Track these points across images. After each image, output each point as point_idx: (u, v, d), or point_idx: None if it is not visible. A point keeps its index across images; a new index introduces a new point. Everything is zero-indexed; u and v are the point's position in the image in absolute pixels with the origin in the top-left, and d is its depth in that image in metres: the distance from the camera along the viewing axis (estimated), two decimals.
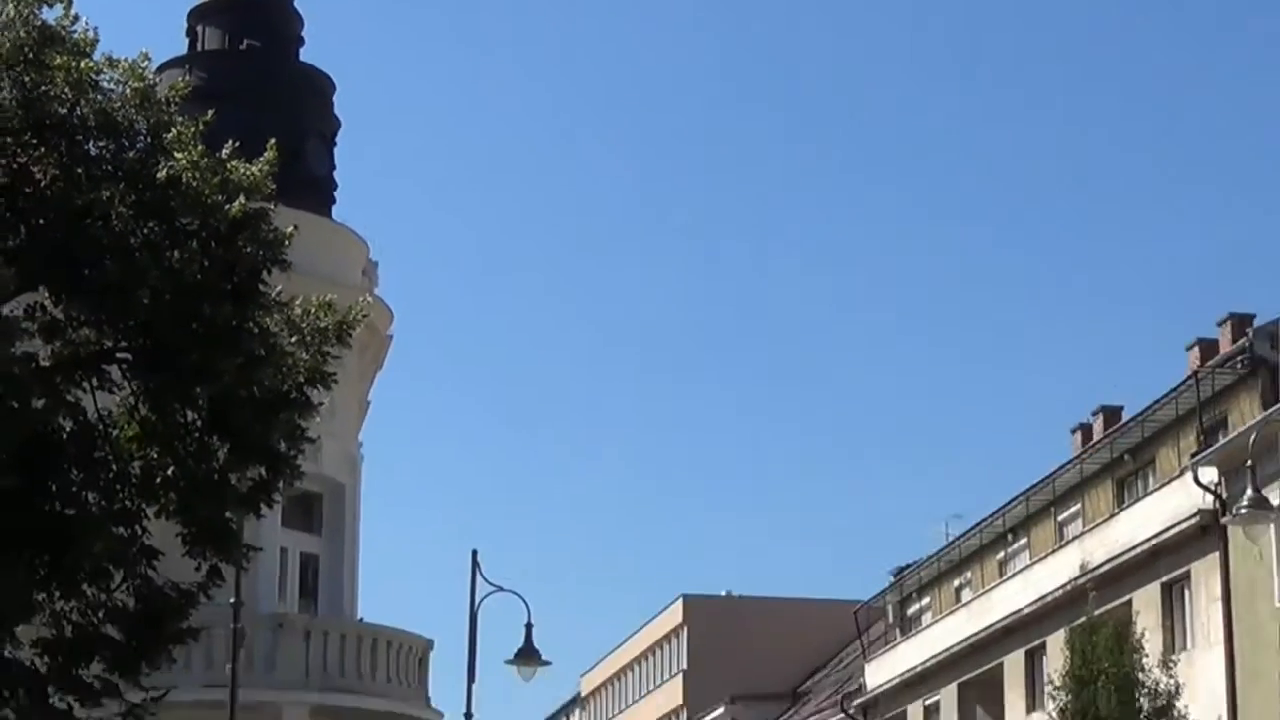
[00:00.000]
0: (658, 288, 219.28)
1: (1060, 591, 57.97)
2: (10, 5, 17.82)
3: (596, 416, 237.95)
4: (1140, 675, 45.37)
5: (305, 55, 51.58)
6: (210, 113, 18.69)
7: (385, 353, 43.26)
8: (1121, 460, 63.04)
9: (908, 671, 74.39)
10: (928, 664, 72.22)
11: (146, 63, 18.28)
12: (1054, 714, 46.98)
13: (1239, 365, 55.24)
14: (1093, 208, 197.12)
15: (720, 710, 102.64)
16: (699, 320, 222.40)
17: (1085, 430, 70.98)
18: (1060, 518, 67.19)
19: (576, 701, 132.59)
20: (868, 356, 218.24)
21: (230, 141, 18.75)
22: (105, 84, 17.84)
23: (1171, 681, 46.43)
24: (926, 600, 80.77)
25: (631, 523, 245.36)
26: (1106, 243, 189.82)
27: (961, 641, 68.92)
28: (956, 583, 77.26)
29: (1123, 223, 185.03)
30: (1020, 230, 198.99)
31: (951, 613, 74.04)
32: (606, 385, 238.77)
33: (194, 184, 16.55)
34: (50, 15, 18.25)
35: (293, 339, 18.11)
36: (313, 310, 18.57)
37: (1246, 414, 51.96)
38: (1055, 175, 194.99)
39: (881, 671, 78.11)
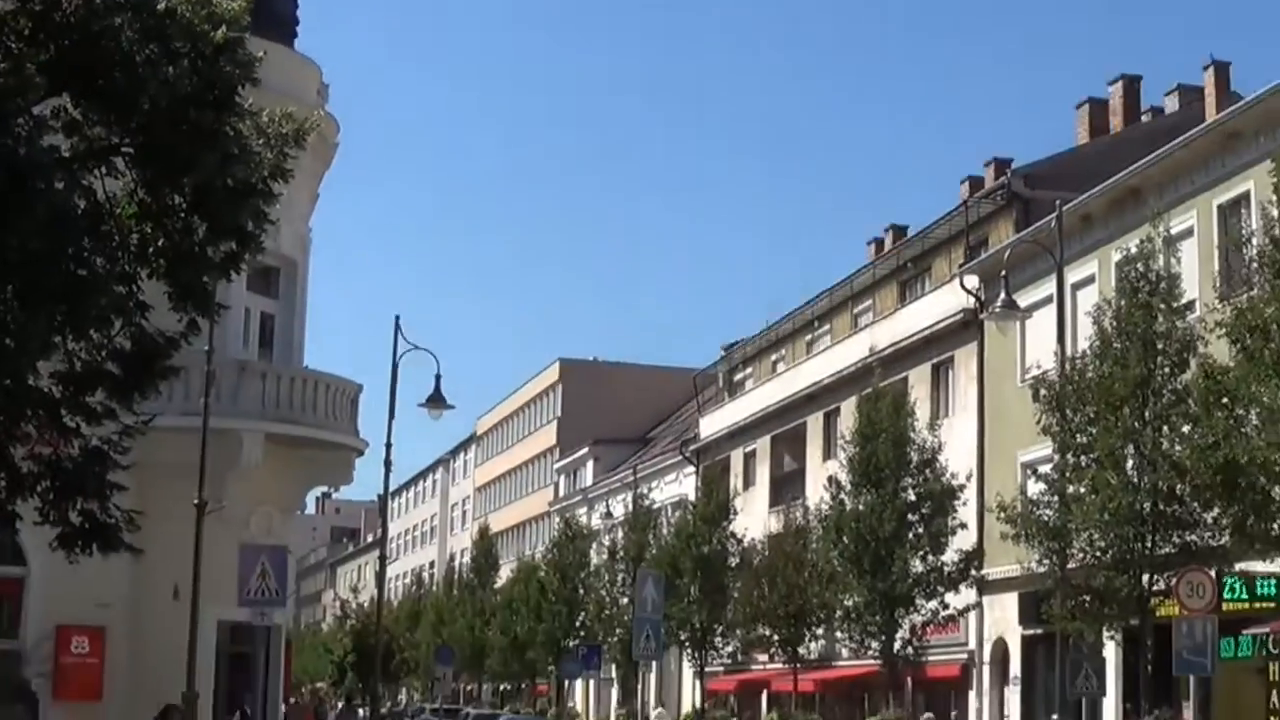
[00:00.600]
0: (551, 103, 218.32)
1: (853, 368, 58.56)
2: None
3: (500, 210, 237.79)
4: (911, 434, 45.97)
5: None
6: None
7: (332, 156, 43.38)
8: (905, 267, 63.46)
9: (732, 425, 75.08)
10: (748, 420, 72.95)
11: None
12: (844, 461, 47.54)
13: (999, 198, 55.66)
14: (886, 50, 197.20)
15: (585, 450, 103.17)
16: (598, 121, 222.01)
17: (878, 243, 71.74)
18: (855, 310, 67.67)
19: (473, 439, 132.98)
20: (716, 170, 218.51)
21: None
22: None
23: (935, 439, 47.12)
24: (749, 370, 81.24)
25: (523, 298, 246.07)
26: (908, 83, 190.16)
27: (775, 403, 69.71)
28: (773, 357, 77.71)
29: (915, 74, 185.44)
30: (828, 61, 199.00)
31: (768, 381, 74.75)
32: (507, 183, 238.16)
33: (186, 15, 16.89)
34: None
35: (260, 141, 18.57)
36: (276, 119, 19.07)
37: (1003, 236, 52.36)
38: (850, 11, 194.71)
39: (712, 424, 78.73)
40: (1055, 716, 37.91)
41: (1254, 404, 27.34)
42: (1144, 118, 58.65)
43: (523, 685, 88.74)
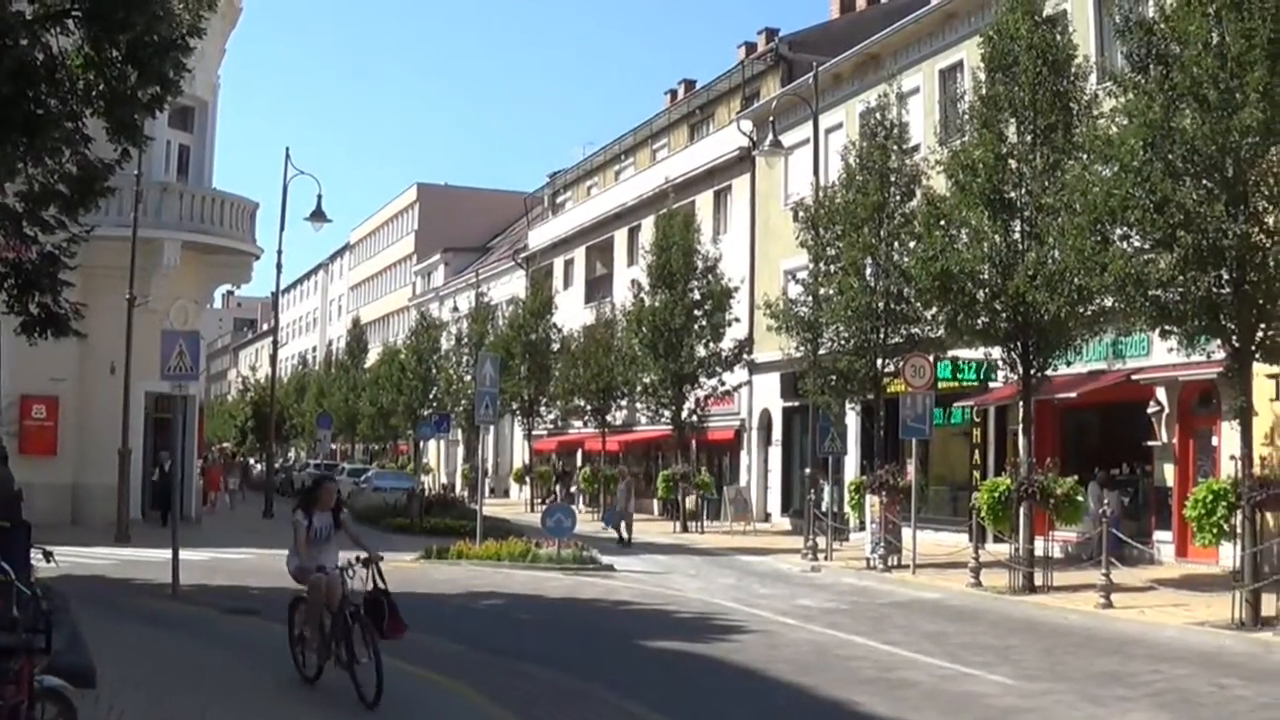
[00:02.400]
0: None
1: (651, 193, 58.45)
2: None
3: (373, 51, 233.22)
4: (697, 247, 46.37)
5: None
6: None
7: (238, 16, 42.78)
8: (694, 113, 63.51)
9: (555, 238, 74.97)
10: (568, 234, 72.84)
11: None
12: (644, 268, 47.79)
13: (769, 59, 55.61)
14: None
15: (436, 256, 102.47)
16: None
17: (673, 94, 71.37)
18: (654, 147, 67.69)
19: (347, 248, 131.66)
20: (550, 31, 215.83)
21: None
22: None
23: (717, 251, 47.63)
24: (569, 194, 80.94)
25: (390, 130, 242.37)
26: None
27: (589, 221, 69.58)
28: (588, 184, 77.50)
29: None
30: None
31: (584, 203, 74.52)
32: (374, 27, 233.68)
33: None
34: None
35: (180, 5, 18.65)
36: None
37: (771, 89, 52.40)
38: None
39: (539, 237, 78.48)
40: (808, 470, 38.82)
41: (964, 226, 27.83)
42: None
43: (387, 445, 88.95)
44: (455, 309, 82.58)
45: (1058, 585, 26.35)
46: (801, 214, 37.08)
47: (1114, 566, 24.09)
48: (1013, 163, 27.39)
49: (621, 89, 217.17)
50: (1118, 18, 22.58)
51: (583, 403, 55.90)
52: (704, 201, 55.64)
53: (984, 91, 28.02)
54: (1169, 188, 20.97)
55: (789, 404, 46.85)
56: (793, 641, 19.34)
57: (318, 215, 50.68)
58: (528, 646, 19.03)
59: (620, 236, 65.81)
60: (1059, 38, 27.61)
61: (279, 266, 51.55)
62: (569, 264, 73.77)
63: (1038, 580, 26.55)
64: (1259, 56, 20.27)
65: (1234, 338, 21.90)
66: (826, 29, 56.05)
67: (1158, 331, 23.59)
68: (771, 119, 40.74)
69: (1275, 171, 21.13)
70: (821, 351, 35.49)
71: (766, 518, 49.22)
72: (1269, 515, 22.81)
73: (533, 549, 32.24)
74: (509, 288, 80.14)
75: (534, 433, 64.40)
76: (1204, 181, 21.16)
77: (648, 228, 55.45)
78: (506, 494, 75.63)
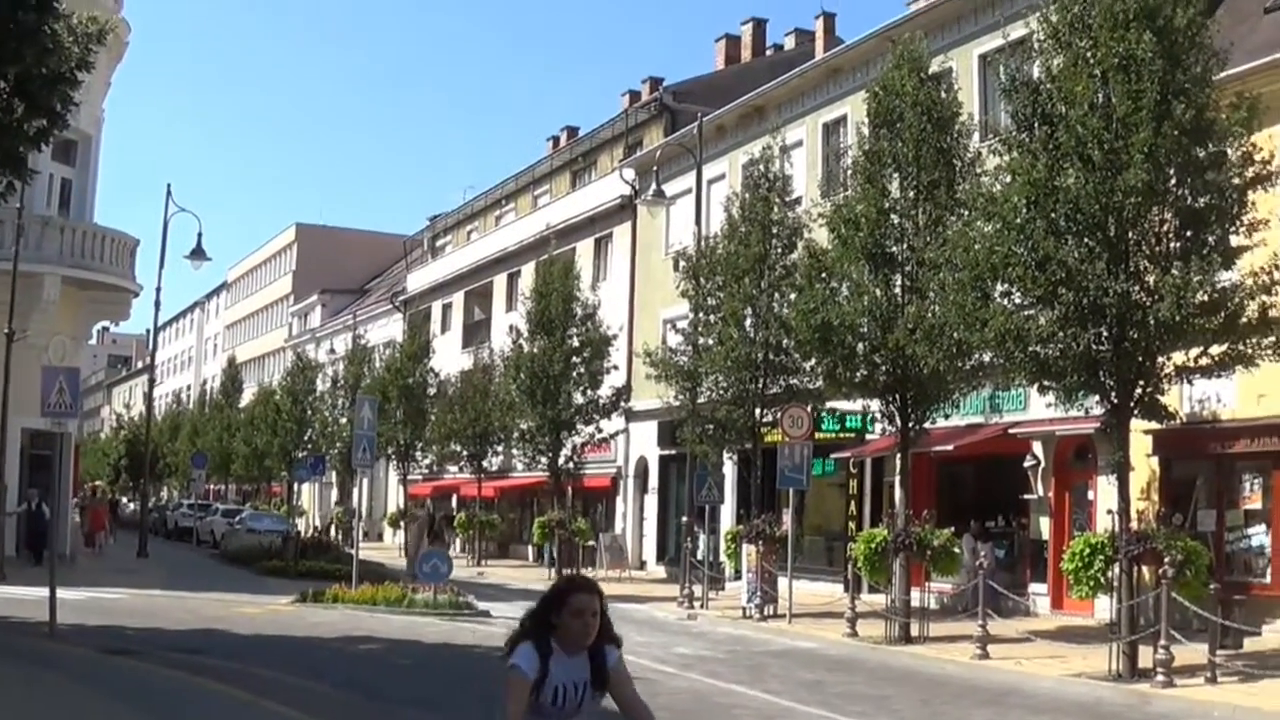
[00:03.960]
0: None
1: (532, 238, 58.05)
2: None
3: (257, 87, 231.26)
4: (577, 293, 45.75)
5: None
6: None
7: (124, 51, 42.07)
8: (576, 160, 63.35)
9: (434, 281, 74.50)
10: (447, 277, 72.34)
11: None
12: (523, 313, 47.34)
13: (653, 108, 55.69)
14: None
15: (314, 297, 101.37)
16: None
17: (555, 140, 71.33)
18: (536, 193, 67.46)
19: (224, 286, 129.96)
20: (433, 73, 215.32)
21: None
22: None
23: (596, 298, 47.20)
24: (449, 237, 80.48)
25: (272, 169, 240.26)
26: (580, 13, 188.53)
27: (469, 265, 69.14)
28: (469, 228, 77.09)
29: (588, 6, 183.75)
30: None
31: (464, 247, 74.10)
32: (260, 64, 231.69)
33: None
34: None
35: (70, 39, 18.20)
36: (84, 21, 18.80)
37: (655, 138, 52.51)
38: None
39: (418, 280, 77.92)
40: (684, 518, 38.58)
41: (845, 279, 27.78)
42: (768, 52, 59.36)
43: (260, 486, 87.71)
44: (332, 351, 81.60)
45: (934, 636, 26.29)
46: (683, 263, 37.03)
47: (990, 618, 24.08)
48: (895, 217, 27.41)
49: (504, 134, 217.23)
50: (1004, 77, 22.75)
51: (459, 448, 55.23)
52: (585, 248, 55.41)
53: (868, 146, 28.05)
54: (1051, 245, 21.06)
55: (666, 452, 46.67)
56: (671, 689, 19.06)
57: (197, 253, 49.98)
58: (407, 692, 18.66)
59: (500, 282, 65.36)
60: (944, 95, 27.82)
61: (157, 304, 50.90)
62: (447, 308, 73.20)
63: (914, 631, 26.46)
64: (1145, 119, 20.47)
65: (1112, 394, 22.01)
66: (711, 80, 56.23)
67: (1036, 387, 23.60)
68: (654, 168, 40.79)
69: (1156, 231, 21.39)
70: (700, 400, 35.31)
71: (642, 565, 48.91)
72: (1145, 569, 22.74)
73: (409, 594, 31.76)
74: (386, 330, 79.37)
75: (409, 477, 63.56)
76: (1086, 240, 21.29)
77: (528, 273, 55.17)
78: (381, 538, 74.72)
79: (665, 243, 47.55)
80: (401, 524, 64.02)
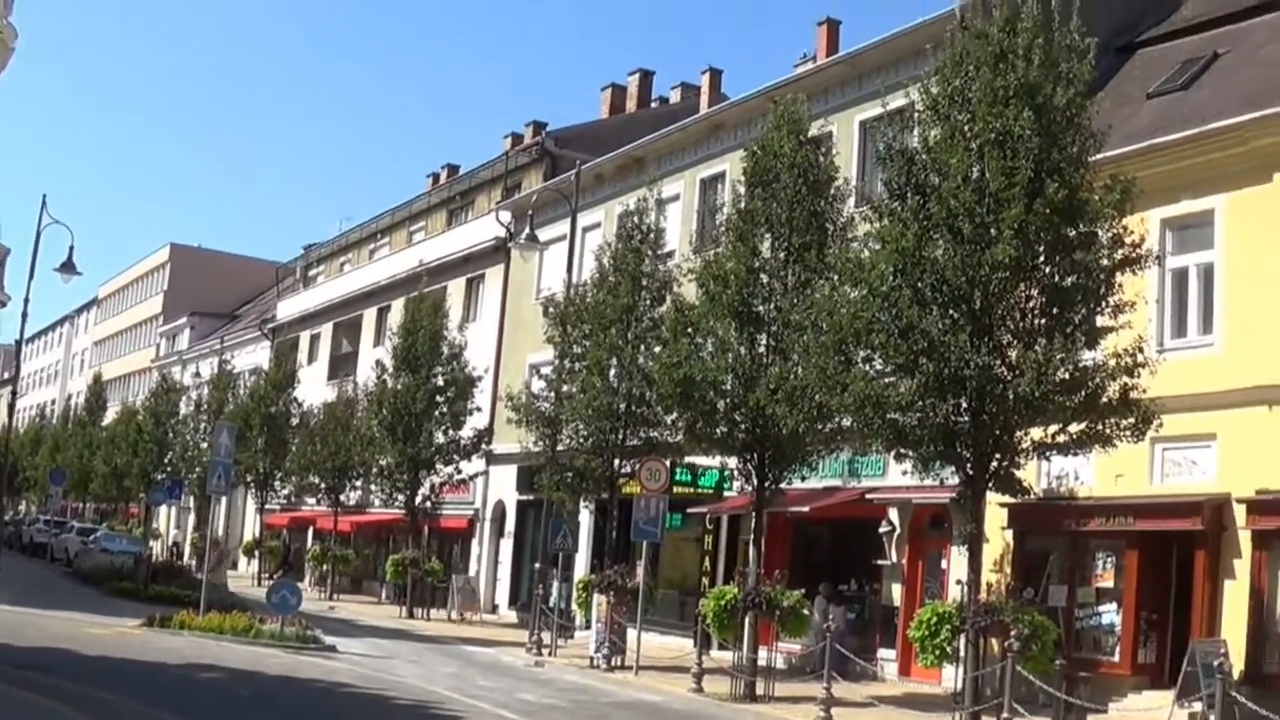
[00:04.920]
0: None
1: (404, 274, 57.27)
2: None
3: (140, 103, 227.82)
4: (445, 333, 45.54)
5: None
6: None
7: (8, 60, 40.74)
8: (454, 199, 62.63)
9: (304, 311, 73.12)
10: (317, 308, 71.12)
11: None
12: (390, 349, 46.95)
13: (533, 152, 55.15)
14: (460, 29, 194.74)
15: (183, 319, 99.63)
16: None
17: (435, 177, 70.58)
18: (411, 229, 66.50)
19: (95, 302, 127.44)
20: (313, 98, 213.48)
21: None
22: None
23: (464, 338, 46.75)
24: (322, 268, 79.30)
25: (149, 187, 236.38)
26: (468, 52, 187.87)
27: (340, 297, 68.07)
28: (342, 260, 75.99)
29: (475, 46, 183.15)
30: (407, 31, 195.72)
31: (336, 278, 73.00)
32: (145, 79, 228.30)
33: None
34: None
35: None
36: None
37: (533, 182, 51.93)
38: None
39: (288, 309, 76.53)
40: (538, 564, 38.11)
41: (711, 335, 27.62)
42: (653, 104, 59.13)
43: (118, 507, 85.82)
44: (197, 374, 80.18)
45: (779, 696, 26.04)
46: (551, 309, 36.77)
47: (836, 680, 23.88)
48: (764, 277, 27.28)
49: (387, 168, 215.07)
50: (881, 145, 22.88)
51: (318, 480, 54.26)
52: (456, 288, 54.71)
53: (742, 205, 27.91)
54: (915, 315, 21.10)
55: (524, 497, 46.10)
56: None
57: (68, 267, 48.54)
58: None
59: (369, 315, 64.45)
60: (821, 158, 27.76)
61: (24, 315, 49.43)
62: (315, 338, 72.08)
63: (760, 690, 26.19)
64: (1017, 195, 20.55)
65: (969, 465, 22.08)
66: (595, 128, 55.90)
67: (893, 454, 23.66)
68: (530, 212, 40.34)
69: (1022, 307, 21.48)
70: (560, 447, 34.96)
71: (494, 609, 48.20)
72: (992, 640, 22.81)
73: (256, 624, 31.09)
74: (253, 357, 78.03)
75: (267, 506, 62.42)
76: (951, 311, 21.36)
77: (397, 309, 54.43)
78: (235, 566, 73.14)
79: (536, 287, 47.02)
80: (256, 553, 62.93)
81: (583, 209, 41.34)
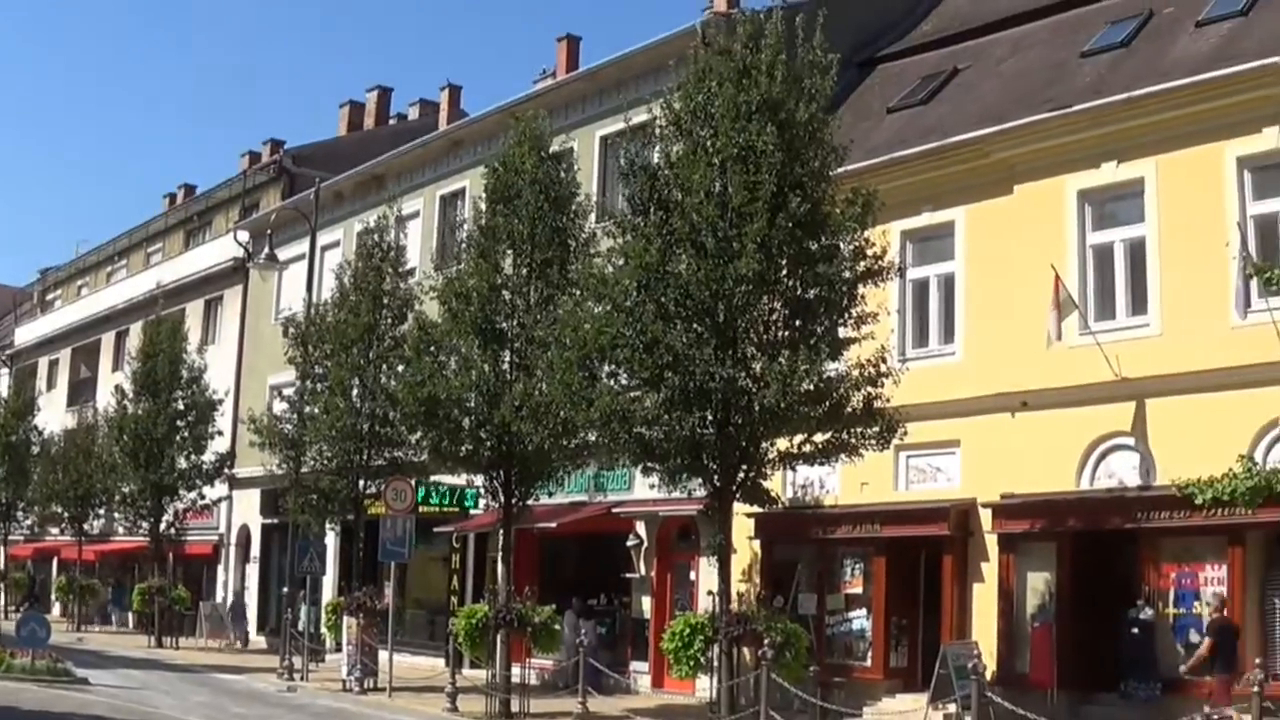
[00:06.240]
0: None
1: (142, 297, 55.07)
2: None
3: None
4: (185, 356, 44.31)
5: None
6: None
7: None
8: (192, 219, 60.61)
9: (42, 336, 70.26)
10: (55, 333, 68.38)
11: None
12: (129, 374, 45.48)
13: (272, 171, 53.63)
14: (191, 45, 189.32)
15: None
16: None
17: (172, 197, 68.06)
18: (149, 250, 64.21)
19: None
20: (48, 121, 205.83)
21: None
22: None
23: (203, 361, 45.42)
24: (59, 292, 76.30)
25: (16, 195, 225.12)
26: (203, 70, 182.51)
27: (78, 321, 65.44)
28: (79, 283, 73.20)
29: (213, 63, 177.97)
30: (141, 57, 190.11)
31: (74, 302, 70.23)
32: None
33: None
34: None
35: None
36: None
37: (272, 201, 50.47)
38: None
39: (26, 335, 73.48)
40: (285, 589, 36.95)
41: (454, 353, 26.93)
42: (392, 121, 57.97)
43: None
44: None
45: (535, 712, 25.66)
46: (292, 330, 35.94)
47: (591, 695, 23.93)
48: (507, 294, 26.69)
49: (121, 188, 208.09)
50: (623, 160, 22.46)
51: (60, 509, 52.12)
52: (194, 310, 52.85)
53: (484, 221, 27.24)
54: (660, 329, 20.85)
55: (269, 521, 44.76)
56: None
57: None
58: None
59: (108, 340, 61.97)
60: (563, 174, 27.24)
61: None
62: (54, 364, 69.16)
63: (515, 707, 25.73)
64: (760, 209, 20.32)
65: (716, 477, 21.88)
66: (333, 145, 54.50)
67: (640, 468, 23.30)
68: (269, 231, 39.17)
69: (766, 320, 21.30)
70: (304, 470, 33.93)
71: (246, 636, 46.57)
72: (745, 649, 22.60)
73: (7, 658, 29.64)
74: None
75: (10, 538, 59.68)
76: (695, 325, 21.12)
77: (136, 333, 52.43)
78: None
79: (276, 308, 45.71)
80: (1, 585, 60.06)
81: (322, 227, 40.38)
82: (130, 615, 51.75)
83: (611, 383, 22.21)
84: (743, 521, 25.00)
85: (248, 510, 46.80)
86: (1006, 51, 27.94)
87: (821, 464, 22.94)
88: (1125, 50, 24.45)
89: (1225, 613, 19.82)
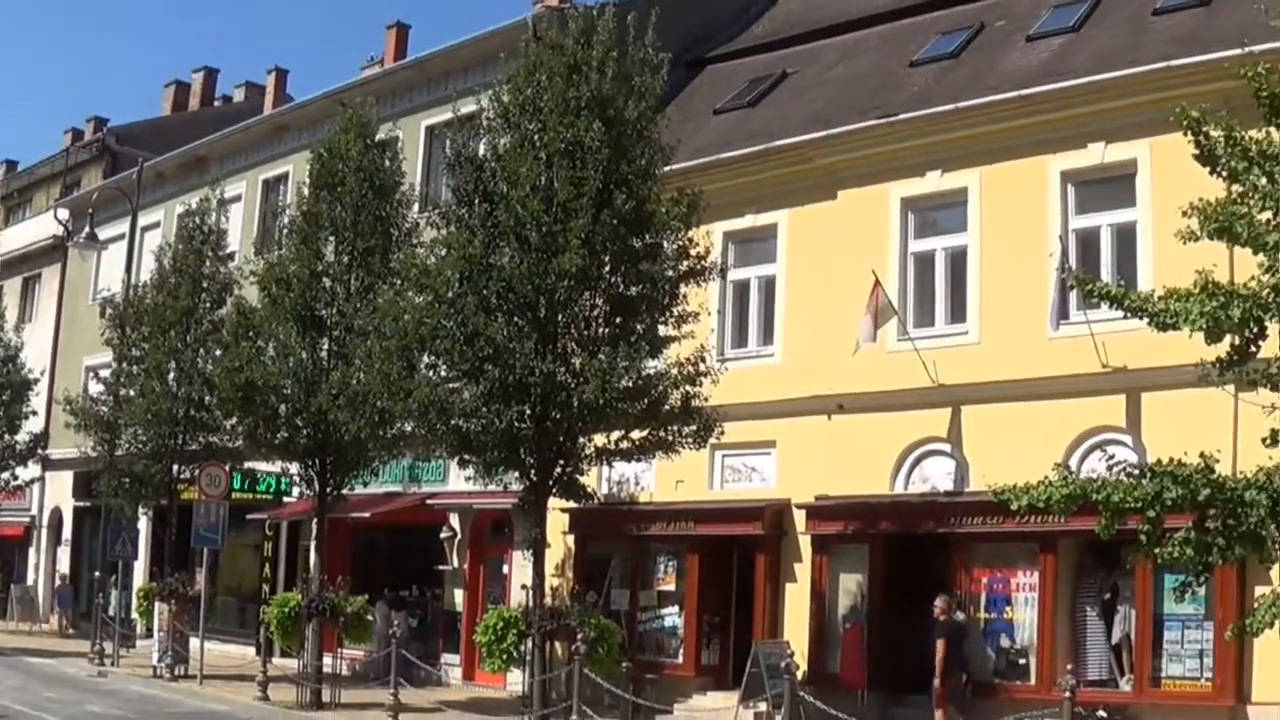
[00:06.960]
0: None
1: None
2: None
3: None
4: (0, 334, 42.36)
5: None
6: None
7: None
8: (12, 195, 58.63)
9: None
10: None
11: None
12: None
13: (94, 149, 52.15)
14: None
15: None
16: None
17: None
18: None
19: None
20: None
21: None
22: None
23: (19, 340, 43.45)
24: None
25: None
26: (24, 44, 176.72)
27: None
28: None
29: (32, 37, 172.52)
30: None
31: None
32: None
33: None
34: None
35: None
36: None
37: (94, 180, 49.11)
38: None
39: None
40: (98, 573, 36.34)
41: (272, 339, 26.29)
42: (217, 103, 56.62)
43: None
44: None
45: (346, 703, 25.32)
46: (110, 311, 35.09)
47: (403, 686, 23.43)
48: (327, 281, 26.18)
49: None
50: (450, 151, 22.16)
51: None
52: (12, 288, 50.98)
53: (306, 207, 26.64)
54: (481, 321, 20.51)
55: (82, 504, 43.36)
56: None
57: None
58: None
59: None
60: (388, 163, 26.75)
61: None
62: None
63: (326, 697, 25.37)
64: (585, 205, 20.11)
65: (532, 471, 21.68)
66: (158, 125, 53.13)
67: (457, 460, 23.07)
68: (90, 210, 38.23)
69: (587, 315, 21.13)
70: (119, 453, 33.05)
71: (58, 619, 45.15)
72: (558, 644, 22.60)
73: None
74: None
75: None
76: (516, 319, 20.86)
77: None
78: None
79: (94, 288, 44.31)
80: None
81: (144, 208, 39.45)
82: None
83: (430, 374, 21.85)
84: (558, 516, 24.88)
85: (60, 492, 45.36)
86: (836, 57, 27.93)
87: (638, 461, 22.81)
88: (954, 61, 24.57)
89: (957, 613, 20.16)
